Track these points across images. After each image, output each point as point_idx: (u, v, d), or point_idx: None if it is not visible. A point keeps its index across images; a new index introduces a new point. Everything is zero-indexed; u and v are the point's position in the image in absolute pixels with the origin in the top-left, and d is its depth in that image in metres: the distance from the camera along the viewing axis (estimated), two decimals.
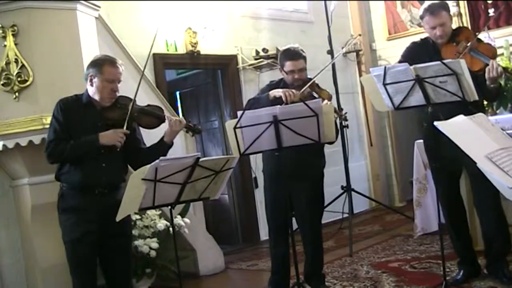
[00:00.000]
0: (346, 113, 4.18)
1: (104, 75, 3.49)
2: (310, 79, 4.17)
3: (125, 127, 3.47)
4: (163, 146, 3.68)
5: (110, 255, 3.60)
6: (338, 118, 4.10)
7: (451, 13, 7.28)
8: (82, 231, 3.44)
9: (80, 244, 3.45)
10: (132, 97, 3.60)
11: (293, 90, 3.97)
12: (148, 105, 3.77)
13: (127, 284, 3.76)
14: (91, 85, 3.53)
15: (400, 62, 4.03)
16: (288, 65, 4.16)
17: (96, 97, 3.53)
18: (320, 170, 4.34)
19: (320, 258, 4.38)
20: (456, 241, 4.32)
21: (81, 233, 3.44)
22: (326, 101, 3.93)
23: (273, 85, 4.29)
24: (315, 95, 4.14)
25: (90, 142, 3.44)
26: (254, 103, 4.06)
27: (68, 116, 3.50)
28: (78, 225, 3.45)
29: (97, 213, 3.44)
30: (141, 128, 3.80)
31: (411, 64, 3.60)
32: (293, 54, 4.19)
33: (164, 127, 3.74)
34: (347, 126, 6.62)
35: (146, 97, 5.62)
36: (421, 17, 4.14)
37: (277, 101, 3.91)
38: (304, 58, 4.20)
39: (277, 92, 4.00)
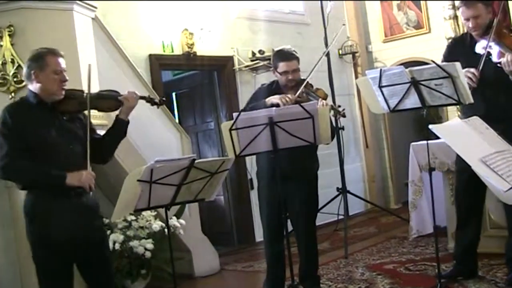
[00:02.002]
0: (344, 109, 4.15)
1: (50, 67, 3.21)
2: (303, 80, 4.19)
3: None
4: (120, 125, 3.46)
5: (87, 260, 3.37)
6: (336, 115, 4.09)
7: (447, 15, 7.37)
8: (57, 240, 3.17)
9: (55, 258, 3.21)
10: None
11: (289, 96, 3.97)
12: (101, 91, 3.59)
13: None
14: (37, 82, 3.22)
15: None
16: (282, 66, 4.16)
17: (46, 93, 3.24)
18: (314, 171, 4.34)
19: (314, 260, 4.37)
20: (462, 236, 4.32)
21: (57, 243, 3.18)
22: (323, 101, 3.95)
23: (266, 88, 4.30)
24: (312, 94, 4.14)
25: (55, 178, 3.16)
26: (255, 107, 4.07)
27: (20, 120, 3.20)
28: (53, 235, 3.17)
29: (69, 218, 3.19)
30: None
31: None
32: (286, 55, 4.19)
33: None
34: (343, 128, 6.70)
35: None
36: (458, 8, 4.10)
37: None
38: (297, 59, 4.21)
39: (274, 99, 3.99)
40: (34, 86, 3.25)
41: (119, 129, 3.47)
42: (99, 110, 3.58)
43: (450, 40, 4.23)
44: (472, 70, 3.79)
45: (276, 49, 4.34)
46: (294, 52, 4.22)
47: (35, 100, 3.25)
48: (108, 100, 3.47)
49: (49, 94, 3.25)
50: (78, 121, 3.39)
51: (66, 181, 3.12)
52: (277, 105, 3.92)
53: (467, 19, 3.96)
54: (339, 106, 4.11)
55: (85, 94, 3.36)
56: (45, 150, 3.19)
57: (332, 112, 4.03)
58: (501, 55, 3.72)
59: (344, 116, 4.16)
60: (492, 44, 3.74)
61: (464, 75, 3.66)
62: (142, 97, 3.56)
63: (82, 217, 3.23)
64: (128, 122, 3.48)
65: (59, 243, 3.17)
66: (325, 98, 4.08)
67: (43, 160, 3.18)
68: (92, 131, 3.42)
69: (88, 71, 3.37)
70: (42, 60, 3.22)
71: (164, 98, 3.71)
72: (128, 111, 3.45)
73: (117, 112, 3.50)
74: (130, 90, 3.52)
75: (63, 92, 3.28)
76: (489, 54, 3.78)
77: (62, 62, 3.28)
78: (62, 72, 3.26)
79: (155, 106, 3.72)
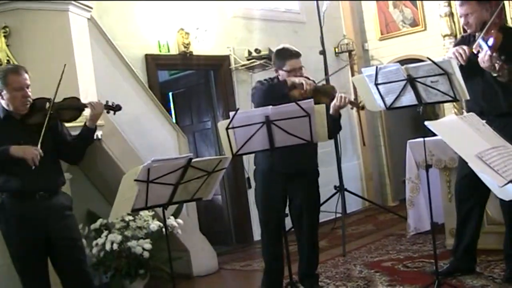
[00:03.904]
0: (361, 101, 4.14)
1: (10, 85, 3.46)
2: (306, 77, 4.20)
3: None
4: (87, 132, 3.72)
5: (60, 261, 3.60)
6: (356, 109, 4.09)
7: (443, 13, 7.36)
8: (27, 240, 3.45)
9: (27, 254, 3.48)
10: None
11: (310, 82, 4.04)
12: (64, 99, 3.72)
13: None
14: (2, 98, 3.50)
15: None
16: (291, 64, 4.16)
17: (11, 108, 3.51)
18: (316, 168, 4.35)
19: (315, 259, 4.39)
20: (460, 233, 4.32)
21: (26, 243, 3.45)
22: (341, 95, 4.01)
23: (269, 82, 4.26)
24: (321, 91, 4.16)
25: (1, 154, 3.36)
26: (269, 88, 4.10)
27: None
28: (22, 235, 3.45)
29: (38, 220, 3.45)
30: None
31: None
32: (293, 53, 4.21)
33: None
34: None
35: (138, 98, 5.64)
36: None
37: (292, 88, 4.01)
38: (300, 56, 4.24)
39: (296, 79, 4.04)
40: (2, 102, 3.52)
41: (86, 135, 3.73)
42: (62, 121, 3.73)
43: (460, 36, 4.20)
44: (464, 47, 3.81)
45: (278, 47, 4.32)
46: (298, 50, 4.25)
47: (3, 114, 3.53)
48: (70, 110, 3.68)
49: (14, 109, 3.51)
50: (52, 130, 3.58)
51: (10, 152, 3.32)
52: (298, 86, 3.98)
53: (461, 16, 4.01)
54: (356, 99, 4.07)
55: (47, 105, 3.54)
56: (10, 164, 3.39)
57: (350, 106, 4.08)
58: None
59: (363, 108, 4.15)
60: (481, 41, 3.76)
61: (454, 51, 3.73)
62: (106, 106, 3.78)
63: (49, 218, 3.49)
64: (95, 129, 3.76)
65: (28, 242, 3.45)
66: (335, 92, 4.10)
67: (10, 172, 3.43)
68: (64, 135, 3.73)
69: (59, 79, 3.57)
70: (3, 79, 3.47)
71: (118, 103, 3.88)
72: (94, 118, 3.70)
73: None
74: (95, 100, 3.80)
75: (27, 107, 3.53)
76: (478, 52, 3.78)
77: (23, 79, 3.50)
78: (24, 89, 3.49)
79: (112, 112, 3.88)
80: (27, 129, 3.51)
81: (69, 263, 3.60)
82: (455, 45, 4.28)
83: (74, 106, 3.71)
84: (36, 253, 3.50)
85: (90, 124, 3.71)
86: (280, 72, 4.22)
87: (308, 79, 4.18)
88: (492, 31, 3.79)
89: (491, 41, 3.70)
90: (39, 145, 3.34)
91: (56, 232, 3.51)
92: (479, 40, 3.75)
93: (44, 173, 3.43)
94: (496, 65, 3.60)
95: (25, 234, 3.44)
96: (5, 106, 3.52)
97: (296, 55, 4.20)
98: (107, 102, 3.80)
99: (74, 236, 3.69)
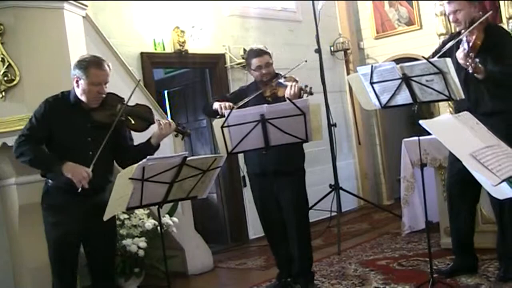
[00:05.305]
0: (311, 87, 4.13)
1: (89, 78, 3.38)
2: (277, 73, 4.30)
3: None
4: (150, 148, 3.59)
5: (94, 254, 3.61)
6: (302, 95, 4.13)
7: (439, 12, 7.39)
8: (64, 230, 3.43)
9: (61, 243, 3.46)
10: (121, 95, 3.58)
11: (229, 104, 4.07)
12: (137, 105, 3.66)
13: (111, 282, 3.74)
14: (77, 86, 3.43)
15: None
16: (255, 62, 4.28)
17: (83, 99, 3.44)
18: (301, 165, 4.37)
19: (308, 257, 4.40)
20: (455, 228, 4.32)
21: (63, 233, 3.43)
22: (290, 83, 4.03)
23: (243, 90, 4.46)
24: (283, 84, 4.19)
25: (53, 165, 3.36)
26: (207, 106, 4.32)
27: (54, 117, 3.42)
28: (61, 224, 3.43)
29: (80, 213, 3.42)
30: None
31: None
32: (257, 51, 4.31)
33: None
34: (335, 125, 6.71)
35: (134, 96, 5.60)
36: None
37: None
38: (269, 53, 4.32)
39: (215, 105, 4.14)
40: (75, 89, 3.46)
41: (147, 150, 3.57)
42: (127, 128, 3.62)
43: (448, 35, 4.24)
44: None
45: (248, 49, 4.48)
46: (265, 48, 4.35)
47: (74, 101, 3.49)
48: (139, 120, 3.58)
49: (86, 102, 3.45)
50: (115, 130, 3.46)
51: (61, 168, 3.29)
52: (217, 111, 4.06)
53: (449, 14, 4.04)
54: (306, 86, 4.12)
55: (118, 107, 3.48)
56: (64, 150, 3.40)
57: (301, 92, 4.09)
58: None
59: (311, 93, 4.13)
60: (464, 40, 3.81)
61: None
62: (177, 130, 3.65)
63: (89, 213, 3.43)
64: (158, 147, 3.61)
65: (62, 234, 3.42)
66: (295, 80, 4.15)
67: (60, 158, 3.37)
68: (125, 138, 3.65)
69: (135, 87, 3.60)
70: (84, 69, 3.40)
71: (189, 130, 3.77)
72: (161, 137, 3.59)
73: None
74: (166, 120, 3.63)
75: (98, 103, 3.48)
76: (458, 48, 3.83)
77: (104, 75, 3.45)
78: (102, 84, 3.44)
79: (181, 137, 3.77)
80: (92, 123, 3.46)
81: (99, 257, 3.62)
82: (443, 42, 4.30)
83: (144, 117, 3.59)
84: (68, 243, 3.48)
85: (155, 141, 3.58)
86: (251, 71, 4.36)
87: (278, 75, 4.28)
88: (475, 31, 3.85)
89: (471, 42, 3.79)
90: (99, 151, 3.33)
91: (94, 227, 3.46)
92: (463, 38, 3.82)
93: (97, 171, 3.37)
94: (472, 65, 3.65)
95: (61, 225, 3.42)
96: (78, 94, 3.44)
97: (259, 53, 4.28)
98: (178, 124, 3.65)
99: (111, 231, 3.69)
